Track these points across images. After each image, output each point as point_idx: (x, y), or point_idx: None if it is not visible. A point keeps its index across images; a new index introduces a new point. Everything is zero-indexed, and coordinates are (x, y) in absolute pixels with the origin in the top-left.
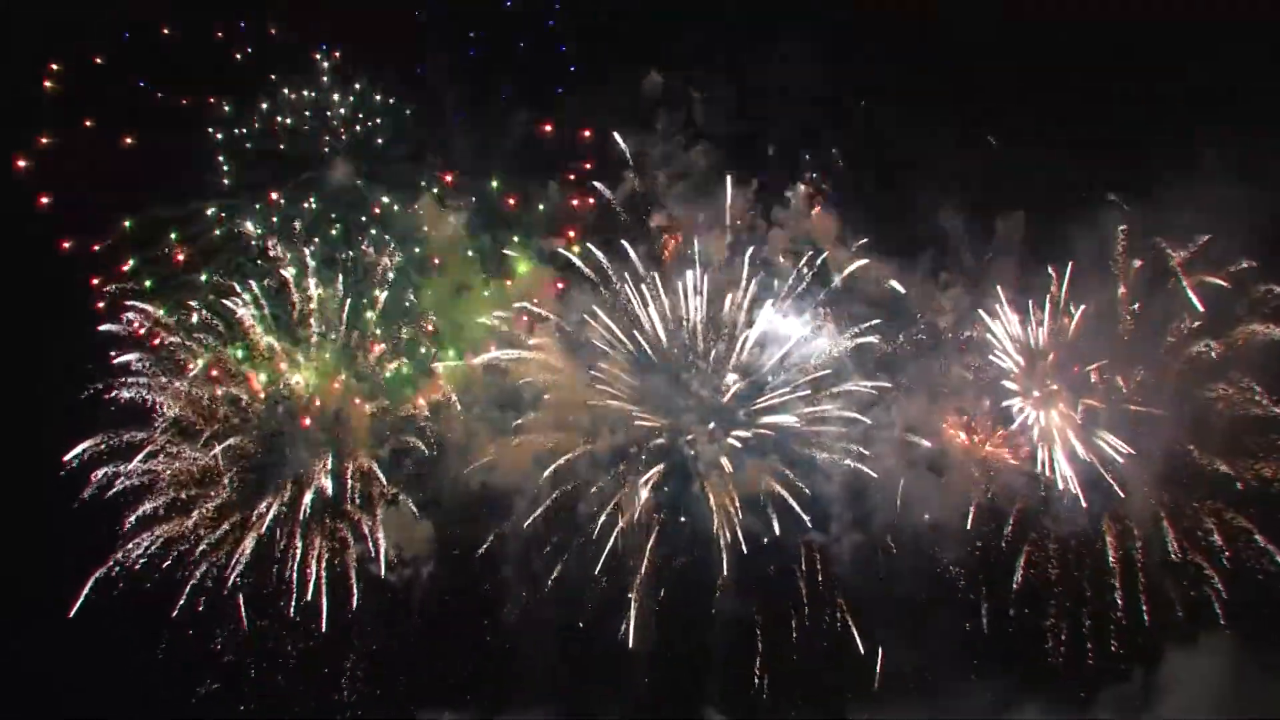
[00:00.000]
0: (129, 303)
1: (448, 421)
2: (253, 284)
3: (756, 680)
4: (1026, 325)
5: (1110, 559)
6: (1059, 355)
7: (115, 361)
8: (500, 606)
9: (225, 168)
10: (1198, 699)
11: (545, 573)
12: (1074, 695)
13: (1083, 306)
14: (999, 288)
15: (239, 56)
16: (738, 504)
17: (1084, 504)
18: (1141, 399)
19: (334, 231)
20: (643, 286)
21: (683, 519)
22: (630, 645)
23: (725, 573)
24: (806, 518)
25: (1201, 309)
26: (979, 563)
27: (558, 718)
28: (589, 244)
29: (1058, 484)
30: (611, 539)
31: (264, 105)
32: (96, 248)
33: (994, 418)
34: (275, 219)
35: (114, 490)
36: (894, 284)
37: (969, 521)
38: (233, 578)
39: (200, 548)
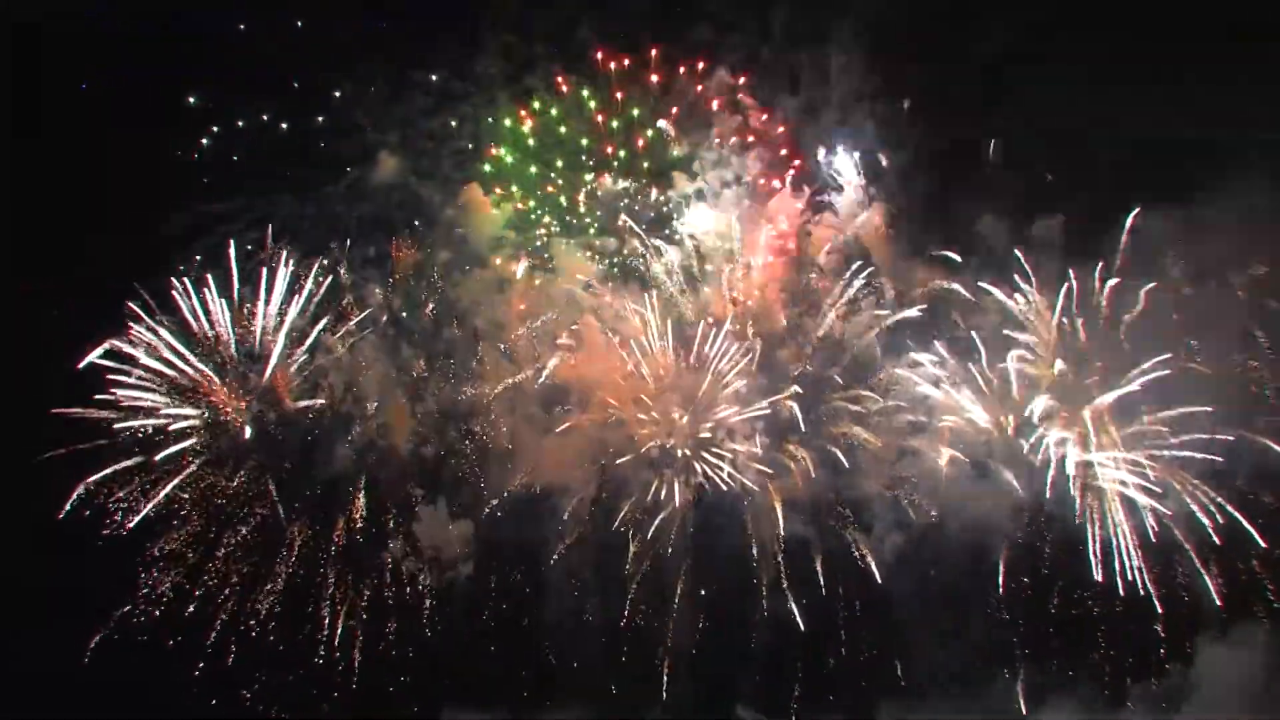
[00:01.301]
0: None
1: (491, 421)
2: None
3: (798, 683)
4: (1064, 332)
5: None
6: (1105, 366)
7: (131, 379)
8: (541, 607)
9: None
10: (1233, 696)
11: (587, 573)
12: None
13: (1126, 317)
14: (1039, 292)
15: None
16: (781, 509)
17: (1140, 568)
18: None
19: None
20: (690, 289)
21: (726, 522)
22: (670, 646)
23: (766, 576)
24: (849, 526)
25: (1266, 345)
26: (1016, 594)
27: (597, 716)
28: (637, 243)
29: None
30: (654, 541)
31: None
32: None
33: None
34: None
35: (138, 519)
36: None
37: (1002, 555)
38: (262, 614)
39: (231, 579)
